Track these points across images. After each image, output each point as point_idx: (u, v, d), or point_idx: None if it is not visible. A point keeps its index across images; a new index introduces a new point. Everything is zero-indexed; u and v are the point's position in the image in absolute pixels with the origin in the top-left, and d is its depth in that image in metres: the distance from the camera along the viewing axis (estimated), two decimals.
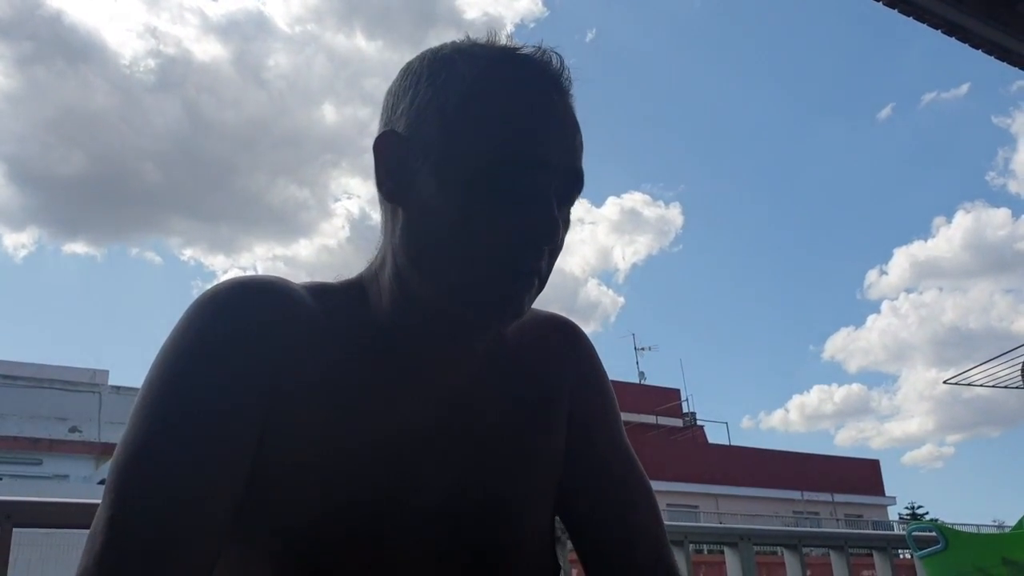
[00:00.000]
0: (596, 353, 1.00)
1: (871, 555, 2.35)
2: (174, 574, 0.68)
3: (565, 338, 0.97)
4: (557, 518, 0.96)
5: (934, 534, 1.64)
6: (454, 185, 0.75)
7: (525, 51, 0.80)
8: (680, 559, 1.93)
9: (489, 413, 0.87)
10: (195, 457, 0.71)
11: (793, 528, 2.19)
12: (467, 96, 0.76)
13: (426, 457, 0.81)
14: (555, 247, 0.79)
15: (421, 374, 0.83)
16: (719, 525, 2.56)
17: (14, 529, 1.21)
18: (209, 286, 0.80)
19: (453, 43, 0.82)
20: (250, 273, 0.84)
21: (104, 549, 0.67)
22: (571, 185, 0.79)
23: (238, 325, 0.76)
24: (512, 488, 0.85)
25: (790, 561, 2.13)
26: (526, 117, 0.76)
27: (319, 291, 0.84)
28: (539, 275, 0.79)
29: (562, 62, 0.79)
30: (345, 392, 0.79)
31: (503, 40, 0.81)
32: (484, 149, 0.75)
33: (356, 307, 0.84)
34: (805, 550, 2.19)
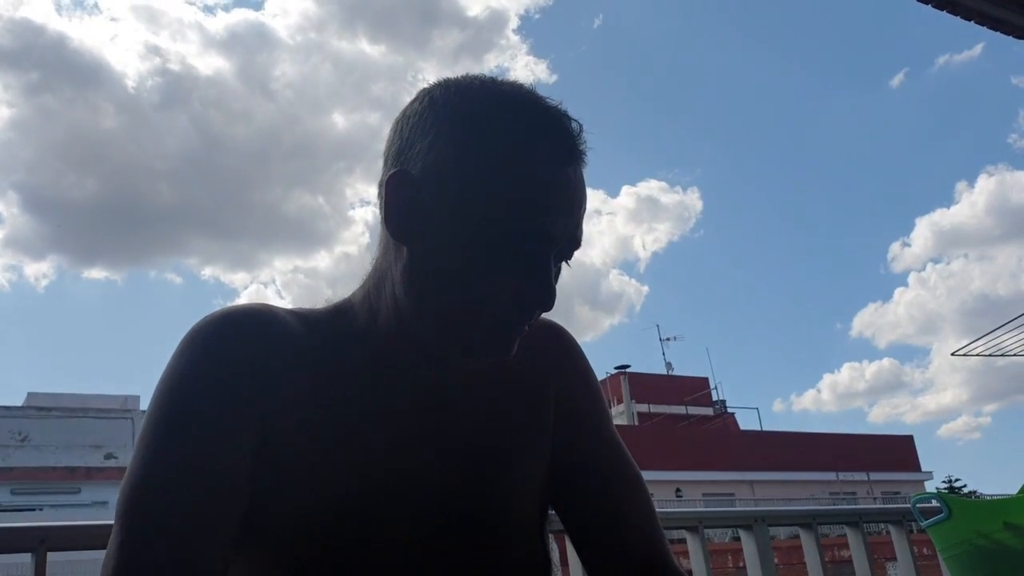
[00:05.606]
0: (582, 351, 1.06)
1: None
2: None
3: (551, 338, 1.03)
4: (552, 512, 1.01)
5: (938, 504, 1.67)
6: (465, 244, 0.80)
7: (549, 113, 0.83)
8: (696, 545, 1.96)
9: (475, 414, 0.92)
10: (194, 484, 0.77)
11: (805, 507, 2.21)
12: (490, 162, 0.80)
13: (417, 461, 0.87)
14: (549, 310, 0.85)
15: (409, 381, 0.89)
16: (732, 508, 2.57)
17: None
18: (199, 319, 0.85)
19: (480, 84, 0.85)
20: (236, 303, 0.91)
21: (117, 572, 0.74)
22: (570, 249, 0.85)
23: (224, 356, 0.82)
24: (500, 483, 0.91)
25: (806, 540, 2.15)
26: (544, 195, 0.80)
27: (303, 314, 0.91)
28: (529, 325, 0.85)
29: (581, 129, 0.83)
30: (335, 407, 0.85)
31: (526, 86, 0.85)
32: (499, 218, 0.79)
33: (343, 327, 0.90)
34: (825, 530, 2.22)
